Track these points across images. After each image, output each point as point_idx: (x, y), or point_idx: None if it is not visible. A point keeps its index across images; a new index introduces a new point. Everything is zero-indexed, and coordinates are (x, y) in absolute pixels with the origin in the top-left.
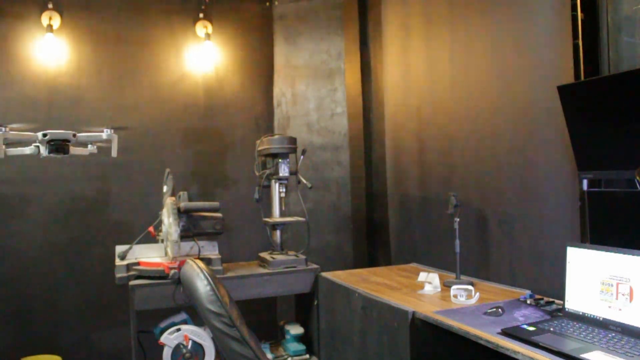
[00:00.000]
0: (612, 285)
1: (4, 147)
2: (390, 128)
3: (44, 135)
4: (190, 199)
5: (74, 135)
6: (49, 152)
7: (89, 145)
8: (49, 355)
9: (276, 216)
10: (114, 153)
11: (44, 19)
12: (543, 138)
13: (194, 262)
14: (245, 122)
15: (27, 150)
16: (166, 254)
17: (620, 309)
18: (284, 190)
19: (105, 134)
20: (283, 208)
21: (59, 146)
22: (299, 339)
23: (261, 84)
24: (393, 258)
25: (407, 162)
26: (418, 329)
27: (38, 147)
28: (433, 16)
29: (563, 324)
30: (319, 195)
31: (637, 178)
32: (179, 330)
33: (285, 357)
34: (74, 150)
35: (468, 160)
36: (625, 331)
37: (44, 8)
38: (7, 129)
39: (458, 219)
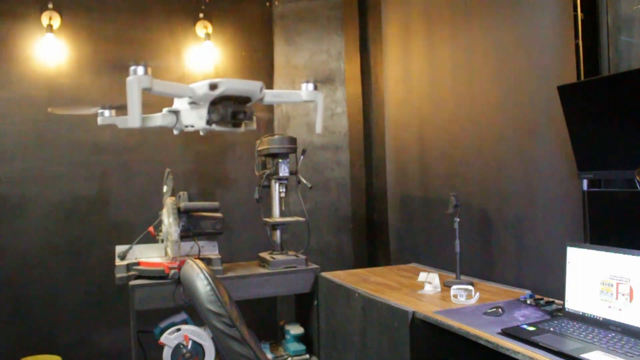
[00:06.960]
0: (612, 285)
1: (140, 114)
2: (390, 128)
3: (212, 87)
4: (190, 199)
5: (261, 90)
6: (213, 122)
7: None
8: (48, 355)
9: (276, 216)
10: (318, 128)
11: (44, 19)
12: (544, 138)
13: (194, 262)
14: None
15: (159, 119)
16: (166, 254)
17: (620, 309)
18: (284, 190)
19: (304, 91)
20: (283, 208)
21: (236, 111)
22: (299, 339)
23: None
24: (393, 258)
25: (407, 161)
26: (418, 329)
27: (176, 114)
28: (433, 15)
29: (563, 324)
30: (319, 195)
31: (637, 178)
32: (179, 330)
33: (285, 357)
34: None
35: (468, 160)
36: (625, 331)
37: (44, 8)
38: (149, 71)
39: (458, 219)
